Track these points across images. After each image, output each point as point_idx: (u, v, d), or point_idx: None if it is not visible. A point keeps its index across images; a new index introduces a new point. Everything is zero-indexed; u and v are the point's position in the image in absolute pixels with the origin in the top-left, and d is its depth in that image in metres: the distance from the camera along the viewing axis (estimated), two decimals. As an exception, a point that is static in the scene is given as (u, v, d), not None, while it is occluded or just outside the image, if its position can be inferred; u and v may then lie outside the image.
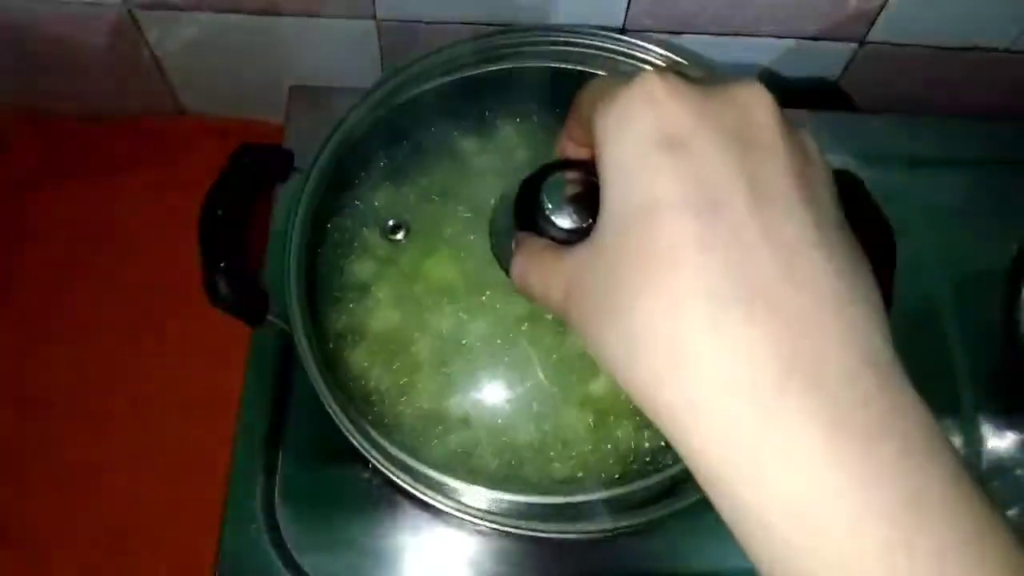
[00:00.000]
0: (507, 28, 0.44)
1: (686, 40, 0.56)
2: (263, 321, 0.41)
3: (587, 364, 0.42)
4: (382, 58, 0.60)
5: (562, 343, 0.42)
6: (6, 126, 0.66)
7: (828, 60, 0.59)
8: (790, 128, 0.23)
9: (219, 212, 0.40)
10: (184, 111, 0.67)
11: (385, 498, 0.49)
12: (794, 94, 0.62)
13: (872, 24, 0.55)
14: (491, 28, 0.56)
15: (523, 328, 0.42)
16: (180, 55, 0.60)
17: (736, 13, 0.54)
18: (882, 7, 0.54)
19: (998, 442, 0.54)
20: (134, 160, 0.66)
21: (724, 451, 0.21)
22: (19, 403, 0.60)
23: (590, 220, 0.27)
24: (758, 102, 0.23)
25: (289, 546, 0.48)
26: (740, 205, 0.21)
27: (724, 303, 0.21)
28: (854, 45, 0.57)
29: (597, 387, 0.42)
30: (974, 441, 0.53)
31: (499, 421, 0.42)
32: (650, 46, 0.47)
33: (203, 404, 0.58)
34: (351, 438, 0.40)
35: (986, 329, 0.55)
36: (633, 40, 0.46)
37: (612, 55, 0.47)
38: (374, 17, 0.55)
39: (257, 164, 0.43)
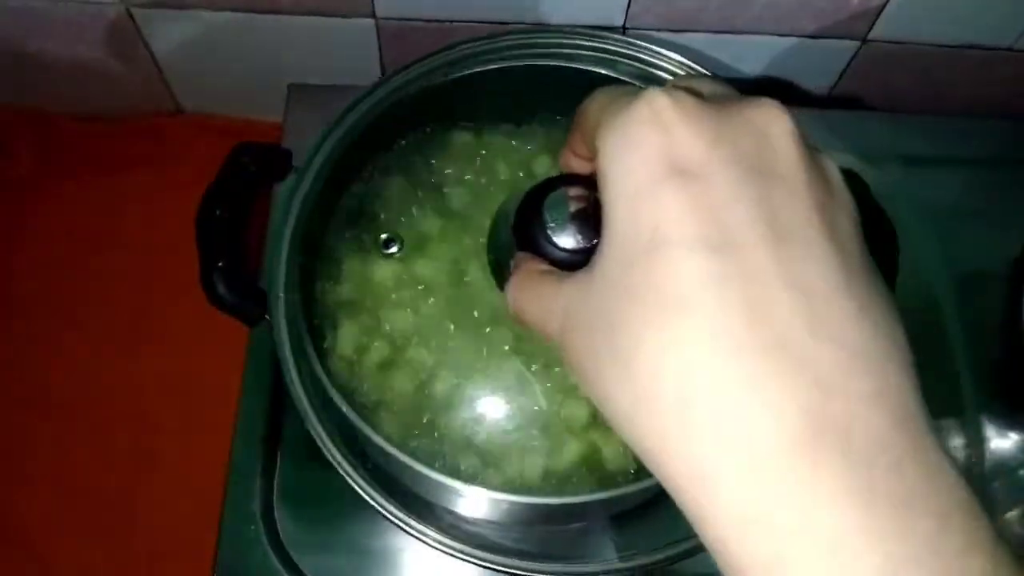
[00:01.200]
0: (514, 29, 0.42)
1: (687, 39, 0.56)
2: (261, 320, 0.41)
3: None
4: (381, 57, 0.60)
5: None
6: (6, 126, 0.66)
7: (829, 59, 0.59)
8: (811, 155, 0.21)
9: (217, 211, 0.40)
10: (183, 111, 0.67)
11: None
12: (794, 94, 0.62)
13: (873, 23, 0.55)
14: (489, 26, 0.56)
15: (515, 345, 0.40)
16: (179, 54, 0.60)
17: (737, 12, 0.54)
18: (883, 6, 0.53)
19: (1001, 442, 0.53)
20: (134, 160, 0.66)
21: (743, 533, 0.18)
22: (19, 403, 0.60)
23: (594, 240, 0.25)
24: (777, 126, 0.21)
25: (288, 546, 0.48)
26: (758, 244, 0.19)
27: (742, 352, 0.18)
28: (855, 43, 0.57)
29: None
30: (976, 441, 0.53)
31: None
32: (661, 50, 0.44)
33: (203, 404, 0.58)
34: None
35: (988, 329, 0.55)
36: (645, 44, 0.43)
37: (618, 57, 0.44)
38: (374, 16, 0.55)
39: (255, 163, 0.43)
